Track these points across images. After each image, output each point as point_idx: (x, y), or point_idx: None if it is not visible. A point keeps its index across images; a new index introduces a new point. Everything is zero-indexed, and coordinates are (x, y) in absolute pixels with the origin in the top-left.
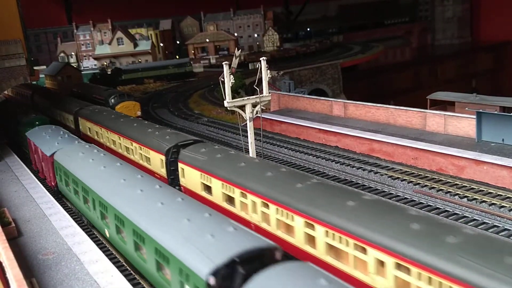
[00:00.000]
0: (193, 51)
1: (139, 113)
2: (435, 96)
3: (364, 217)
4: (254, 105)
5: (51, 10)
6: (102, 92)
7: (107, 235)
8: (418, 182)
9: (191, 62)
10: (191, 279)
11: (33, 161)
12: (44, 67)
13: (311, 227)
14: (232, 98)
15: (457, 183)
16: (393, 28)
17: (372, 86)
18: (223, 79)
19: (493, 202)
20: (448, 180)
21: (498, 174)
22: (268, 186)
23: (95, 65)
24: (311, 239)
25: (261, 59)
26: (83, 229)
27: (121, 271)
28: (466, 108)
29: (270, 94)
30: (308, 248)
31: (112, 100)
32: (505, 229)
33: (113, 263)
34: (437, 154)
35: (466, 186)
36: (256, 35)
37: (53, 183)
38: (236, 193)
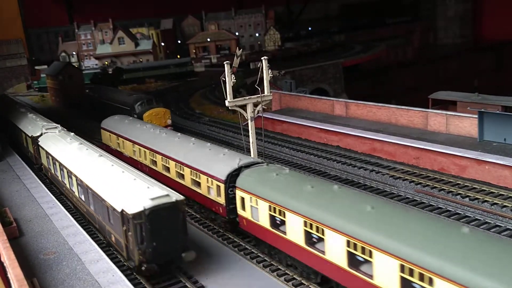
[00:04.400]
0: (194, 51)
1: (169, 121)
2: (437, 95)
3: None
4: (255, 105)
5: (53, 10)
6: (125, 97)
7: None
8: (420, 181)
9: (192, 62)
10: None
11: None
12: (45, 66)
13: None
14: (234, 98)
15: (459, 182)
16: (395, 27)
17: (373, 86)
18: (224, 79)
19: (495, 201)
20: (450, 180)
21: (500, 173)
22: None
23: (96, 64)
24: None
25: (262, 58)
26: (84, 229)
27: (122, 271)
28: (468, 108)
29: (271, 94)
30: None
31: (139, 107)
32: (507, 229)
33: (114, 263)
34: (439, 154)
35: (468, 186)
36: (257, 35)
37: None
38: None
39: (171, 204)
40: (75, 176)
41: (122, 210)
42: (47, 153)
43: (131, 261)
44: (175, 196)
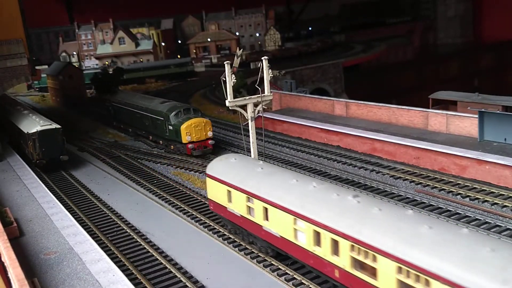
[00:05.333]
0: (194, 51)
1: (210, 133)
2: (437, 95)
3: None
4: (255, 105)
5: (53, 10)
6: (156, 105)
7: None
8: (420, 181)
9: (193, 62)
10: None
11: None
12: (46, 66)
13: None
14: (234, 98)
15: (459, 182)
16: (395, 27)
17: (374, 85)
18: (224, 79)
19: (495, 201)
20: (450, 180)
21: (500, 173)
22: None
23: (96, 64)
24: None
25: (262, 58)
26: (85, 229)
27: (123, 271)
28: (468, 108)
29: (271, 94)
30: None
31: (175, 117)
32: (508, 229)
33: (115, 262)
34: (439, 154)
35: (468, 186)
36: (257, 34)
37: None
38: None
39: (52, 129)
40: (16, 125)
41: (27, 132)
42: (5, 117)
43: (32, 159)
44: (55, 125)
